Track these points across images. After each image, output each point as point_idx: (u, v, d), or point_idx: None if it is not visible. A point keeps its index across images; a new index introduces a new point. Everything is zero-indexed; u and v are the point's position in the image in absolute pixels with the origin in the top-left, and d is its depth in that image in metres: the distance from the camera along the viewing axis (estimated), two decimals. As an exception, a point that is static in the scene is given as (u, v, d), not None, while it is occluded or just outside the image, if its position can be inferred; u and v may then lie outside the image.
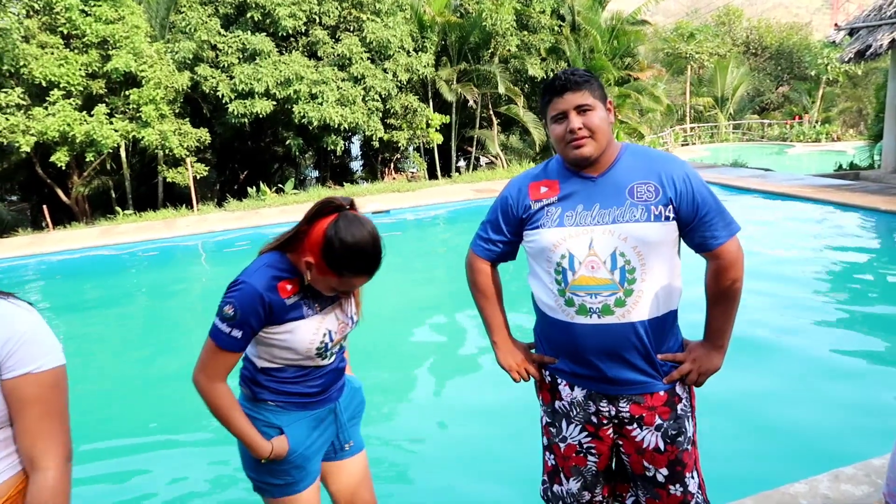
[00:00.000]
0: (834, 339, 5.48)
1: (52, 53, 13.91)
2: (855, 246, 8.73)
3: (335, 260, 1.78)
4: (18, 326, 1.36)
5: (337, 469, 2.21)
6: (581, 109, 1.88)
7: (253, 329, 1.84)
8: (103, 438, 4.52)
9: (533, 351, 2.21)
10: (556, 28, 19.03)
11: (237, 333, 1.81)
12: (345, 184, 18.52)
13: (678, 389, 2.01)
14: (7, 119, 13.16)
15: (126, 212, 15.33)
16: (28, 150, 13.66)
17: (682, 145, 29.21)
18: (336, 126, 15.78)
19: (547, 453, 2.20)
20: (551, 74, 18.81)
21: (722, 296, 2.00)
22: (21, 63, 13.39)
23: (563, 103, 1.88)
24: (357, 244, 1.76)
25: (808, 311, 6.21)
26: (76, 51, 14.34)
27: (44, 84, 13.71)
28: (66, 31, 14.28)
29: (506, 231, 2.09)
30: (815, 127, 29.44)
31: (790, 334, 5.58)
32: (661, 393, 1.98)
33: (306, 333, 1.90)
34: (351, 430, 2.21)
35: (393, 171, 20.77)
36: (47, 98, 13.83)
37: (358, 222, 1.80)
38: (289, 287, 1.87)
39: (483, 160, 21.66)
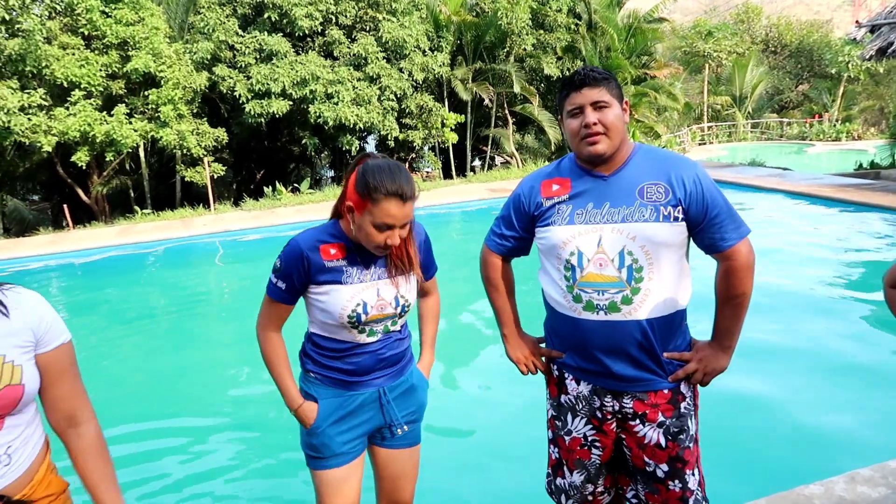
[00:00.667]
0: (852, 339, 5.42)
1: (74, 54, 14.11)
2: (875, 246, 8.61)
3: (365, 185, 1.88)
4: (43, 308, 1.55)
5: (385, 456, 2.25)
6: (597, 106, 1.90)
7: (294, 283, 1.99)
8: (122, 431, 4.58)
9: (542, 345, 2.24)
10: (572, 27, 18.97)
11: (281, 284, 2.00)
12: (360, 183, 18.58)
13: (682, 388, 2.02)
14: (29, 119, 13.37)
15: (144, 211, 15.52)
16: (49, 149, 13.88)
17: (700, 144, 28.98)
18: (351, 126, 15.86)
19: (551, 446, 2.23)
20: (567, 73, 18.77)
21: (731, 297, 2.00)
22: (43, 64, 13.60)
23: (581, 98, 1.90)
24: (382, 167, 1.90)
25: (826, 311, 6.15)
26: (96, 52, 14.54)
27: (65, 84, 13.92)
28: (86, 33, 14.48)
29: (518, 227, 2.13)
30: (835, 126, 29.08)
31: (808, 334, 5.53)
32: (666, 391, 2.00)
33: (340, 299, 1.97)
34: (406, 420, 2.21)
35: (408, 171, 20.81)
36: (68, 98, 14.04)
37: (383, 158, 1.97)
38: (332, 251, 1.99)
39: (498, 160, 21.65)
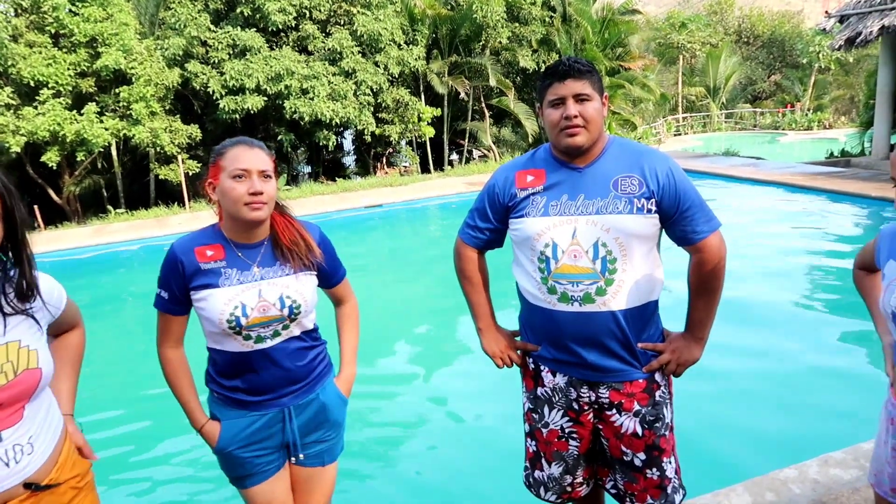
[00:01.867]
0: (824, 325, 5.51)
1: (41, 53, 13.82)
2: (846, 233, 8.77)
3: (213, 152, 1.92)
4: (44, 286, 1.60)
5: (294, 472, 2.13)
6: (579, 98, 1.90)
7: (174, 291, 1.92)
8: (97, 436, 4.52)
9: (517, 338, 2.24)
10: (546, 19, 19.01)
11: (164, 294, 1.94)
12: (337, 179, 18.46)
13: (657, 377, 2.04)
14: (-4, 119, 13.09)
15: (118, 210, 15.29)
16: (18, 150, 13.59)
17: (675, 135, 29.21)
18: (328, 121, 15.75)
19: (529, 440, 2.23)
20: (543, 66, 18.81)
21: (703, 289, 2.02)
22: (9, 62, 13.30)
23: (564, 89, 1.90)
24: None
25: (799, 298, 6.24)
26: (65, 50, 14.26)
27: (32, 84, 13.63)
28: (54, 30, 14.19)
29: (492, 219, 2.12)
30: (806, 115, 29.48)
31: (781, 320, 5.62)
32: (641, 380, 2.01)
33: (217, 303, 1.87)
34: (311, 442, 2.09)
35: (385, 166, 20.74)
36: (37, 97, 13.75)
37: None
38: (209, 252, 1.91)
39: (476, 153, 21.65)
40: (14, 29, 13.69)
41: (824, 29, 14.33)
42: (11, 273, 1.51)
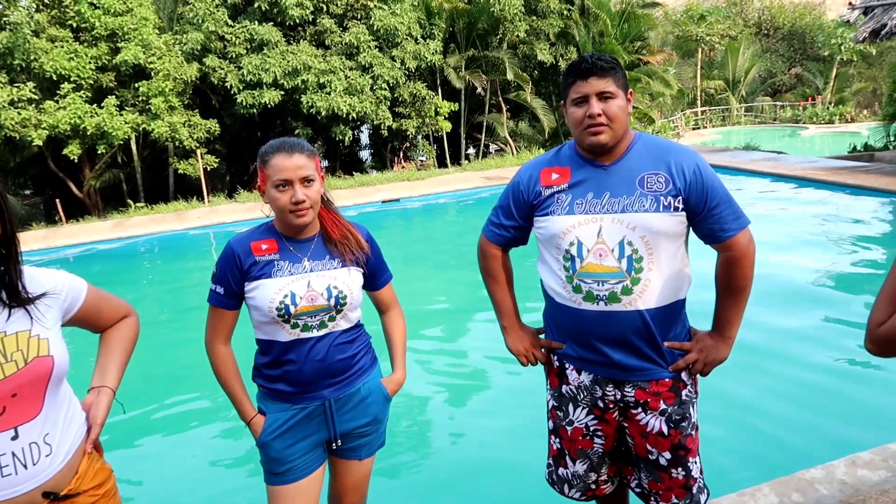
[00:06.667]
0: (850, 323, 5.43)
1: (62, 47, 13.97)
2: (871, 229, 8.64)
3: (258, 157, 1.99)
4: (55, 276, 1.61)
5: (334, 465, 2.22)
6: (603, 96, 1.88)
7: (231, 285, 2.00)
8: (116, 424, 4.57)
9: (542, 336, 2.22)
10: (565, 12, 18.85)
11: (220, 290, 2.02)
12: (354, 173, 18.51)
13: (683, 376, 2.02)
14: (19, 113, 13.24)
15: (138, 204, 15.43)
16: (40, 143, 13.76)
17: (693, 129, 28.93)
18: (344, 115, 15.76)
19: (552, 437, 2.22)
20: (561, 60, 18.68)
21: (731, 287, 1.99)
22: (32, 57, 13.45)
23: (587, 87, 1.88)
24: (271, 142, 2.01)
25: (823, 295, 6.16)
26: (85, 44, 14.39)
27: (54, 78, 13.78)
28: (75, 25, 14.32)
29: (517, 217, 2.10)
30: (828, 108, 29.05)
31: (806, 319, 5.54)
32: (667, 379, 1.99)
33: (269, 291, 1.96)
34: (350, 435, 2.14)
35: (402, 160, 20.74)
36: (58, 91, 13.90)
37: None
38: (264, 246, 2.00)
39: (493, 147, 21.57)
40: (36, 24, 13.83)
41: (847, 21, 14.09)
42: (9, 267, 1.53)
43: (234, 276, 1.99)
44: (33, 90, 13.65)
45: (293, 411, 2.05)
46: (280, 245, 2.01)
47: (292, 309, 1.96)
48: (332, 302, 2.01)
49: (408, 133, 18.39)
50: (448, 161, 19.17)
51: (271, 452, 2.06)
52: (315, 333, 2.02)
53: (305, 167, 1.93)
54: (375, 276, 2.19)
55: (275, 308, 1.95)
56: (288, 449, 2.05)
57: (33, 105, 13.71)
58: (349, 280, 2.05)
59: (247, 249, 1.99)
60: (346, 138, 16.93)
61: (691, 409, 2.03)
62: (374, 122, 17.00)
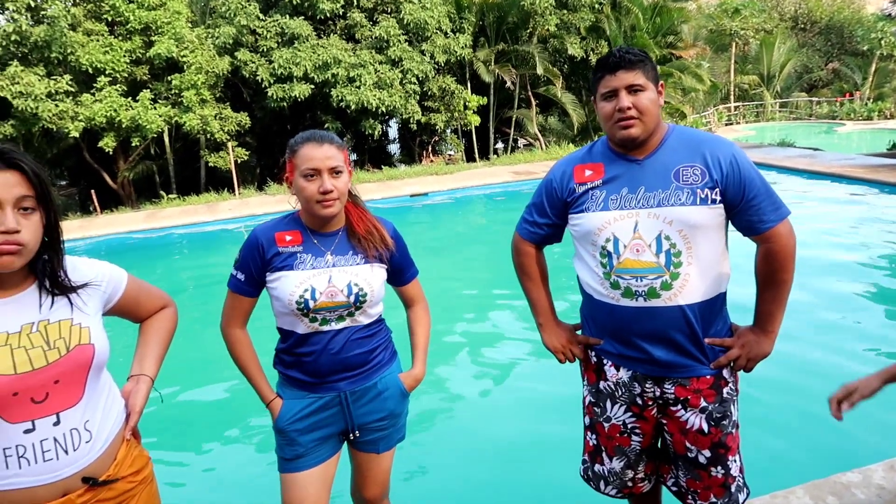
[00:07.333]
0: (890, 324, 5.31)
1: (98, 41, 14.23)
2: (910, 228, 8.40)
3: (287, 147, 2.01)
4: (89, 269, 1.62)
5: (354, 459, 2.23)
6: (632, 89, 1.85)
7: (252, 273, 2.01)
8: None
9: (578, 332, 2.20)
10: (596, 6, 18.66)
11: (241, 276, 2.03)
12: (383, 167, 18.57)
13: (725, 373, 1.98)
14: (56, 105, 13.53)
15: (170, 196, 15.67)
16: (76, 135, 14.06)
17: (726, 125, 28.45)
18: (374, 109, 15.82)
19: (589, 433, 2.20)
20: (591, 54, 18.50)
21: (772, 280, 1.95)
22: (69, 50, 13.72)
23: (616, 81, 1.85)
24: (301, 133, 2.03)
25: (862, 296, 6.02)
26: (120, 38, 14.65)
27: (90, 71, 14.05)
28: (110, 19, 14.58)
29: (550, 214, 2.08)
30: (866, 104, 28.33)
31: (844, 320, 5.43)
32: (708, 376, 1.96)
33: (290, 284, 1.96)
34: (367, 428, 2.14)
35: (431, 154, 20.75)
36: (94, 84, 14.18)
37: None
38: (288, 237, 2.00)
39: (521, 142, 21.47)
40: (73, 18, 14.11)
41: (889, 14, 13.72)
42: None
43: (255, 264, 1.99)
44: (70, 83, 13.92)
45: (310, 399, 2.06)
46: (304, 237, 2.01)
47: (311, 304, 1.96)
48: (352, 299, 2.00)
49: (436, 127, 18.40)
50: (476, 155, 19.14)
51: (287, 436, 2.07)
52: (333, 327, 2.01)
53: (334, 158, 1.93)
54: (401, 272, 2.19)
55: (294, 301, 1.95)
56: (303, 436, 2.06)
57: (70, 97, 14.00)
58: (371, 277, 2.03)
59: (271, 239, 1.99)
60: (376, 132, 16.99)
61: (732, 406, 1.99)
62: (403, 116, 17.03)
